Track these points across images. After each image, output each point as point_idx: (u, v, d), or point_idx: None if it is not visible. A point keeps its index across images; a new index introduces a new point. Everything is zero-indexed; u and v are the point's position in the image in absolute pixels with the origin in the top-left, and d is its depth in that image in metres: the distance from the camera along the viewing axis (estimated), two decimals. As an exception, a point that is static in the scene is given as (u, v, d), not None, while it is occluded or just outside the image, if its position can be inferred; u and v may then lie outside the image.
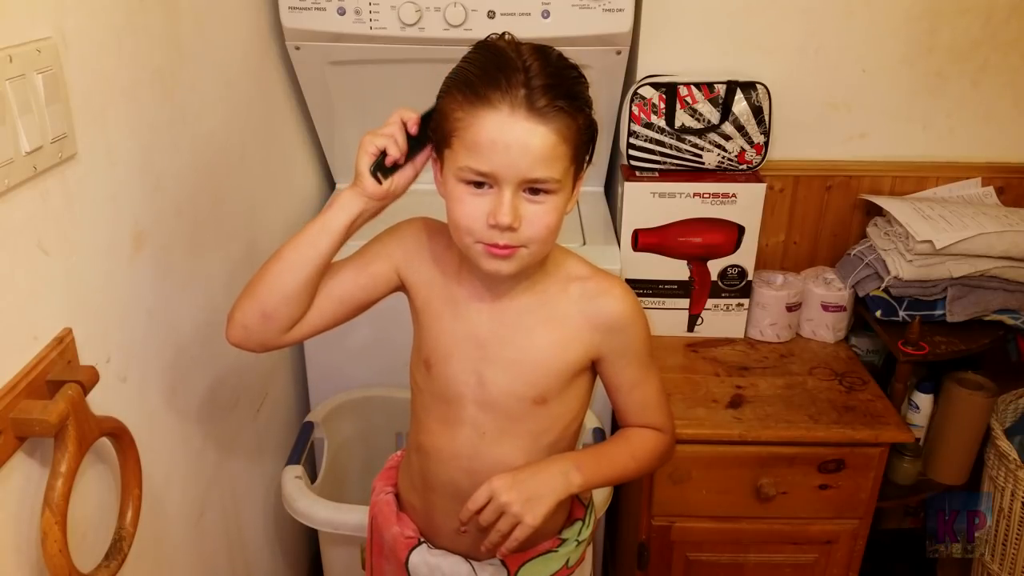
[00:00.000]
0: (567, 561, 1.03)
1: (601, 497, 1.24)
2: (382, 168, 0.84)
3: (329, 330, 0.92)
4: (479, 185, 0.80)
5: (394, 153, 0.84)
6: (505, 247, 0.80)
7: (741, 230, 1.51)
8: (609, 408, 1.52)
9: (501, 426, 0.92)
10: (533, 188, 0.79)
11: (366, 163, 0.84)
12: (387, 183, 0.85)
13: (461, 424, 0.93)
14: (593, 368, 0.96)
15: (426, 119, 0.85)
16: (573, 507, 1.05)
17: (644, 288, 1.56)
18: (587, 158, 0.86)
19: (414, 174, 0.87)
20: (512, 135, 0.76)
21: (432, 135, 0.85)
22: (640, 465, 0.97)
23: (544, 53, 0.80)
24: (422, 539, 1.01)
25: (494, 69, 0.78)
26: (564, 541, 1.02)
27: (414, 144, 0.85)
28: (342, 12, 1.39)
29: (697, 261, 1.54)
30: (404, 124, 0.85)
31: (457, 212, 0.81)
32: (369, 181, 0.84)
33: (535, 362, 0.91)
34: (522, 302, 0.90)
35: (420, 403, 0.97)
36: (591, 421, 1.41)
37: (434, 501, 0.98)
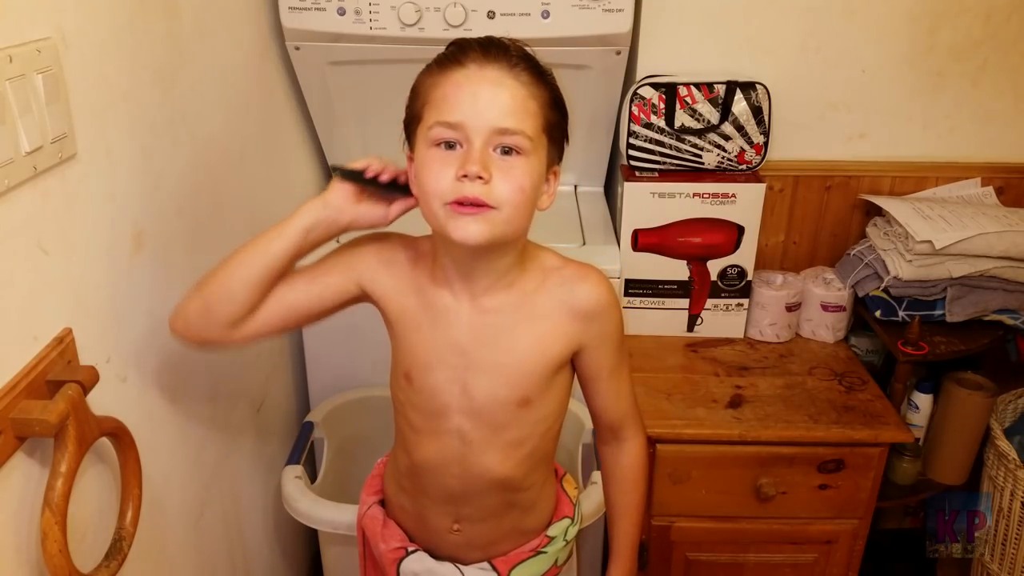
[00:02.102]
0: (556, 560, 1.03)
1: (600, 498, 1.24)
2: (356, 178, 0.84)
3: (279, 334, 0.89)
4: (450, 147, 0.79)
5: (377, 168, 0.84)
6: (474, 202, 0.77)
7: (741, 230, 1.51)
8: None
9: (485, 436, 0.92)
10: (504, 148, 0.78)
11: (343, 172, 0.84)
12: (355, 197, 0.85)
13: (447, 435, 0.93)
14: (571, 367, 0.96)
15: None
16: (560, 504, 1.05)
17: (644, 288, 1.56)
18: (562, 144, 0.86)
19: (384, 215, 0.87)
20: (480, 84, 0.78)
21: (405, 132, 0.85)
22: (644, 490, 1.05)
23: (508, 40, 0.82)
24: (409, 548, 1.01)
25: (462, 43, 0.80)
26: (552, 539, 1.02)
27: (396, 190, 0.86)
28: (342, 12, 1.39)
29: (697, 261, 1.54)
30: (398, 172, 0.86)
31: (426, 177, 0.80)
32: (335, 188, 0.84)
33: (519, 363, 0.90)
34: (501, 302, 0.89)
35: (404, 419, 0.96)
36: (591, 422, 1.40)
37: (426, 504, 0.98)
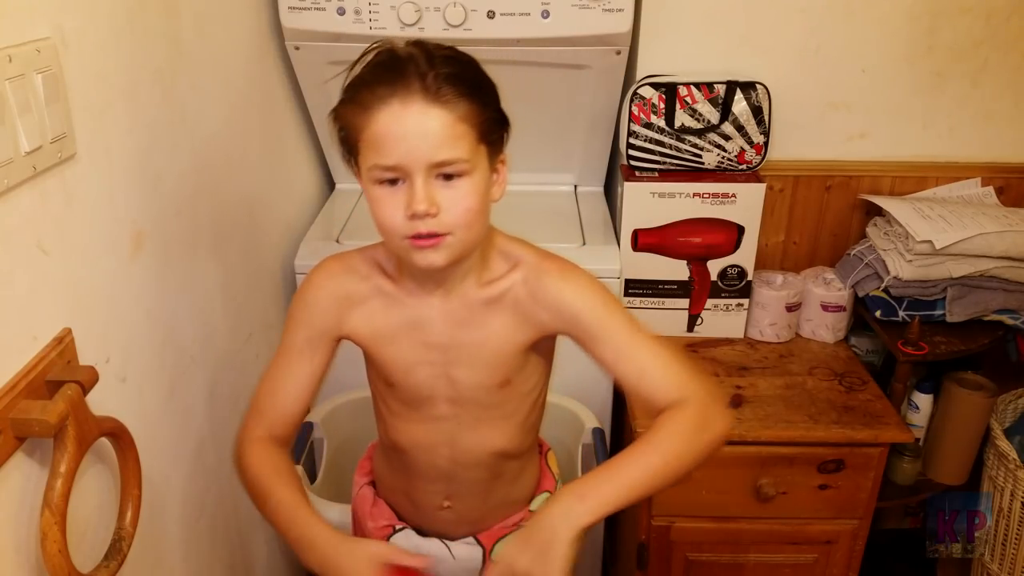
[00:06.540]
0: None
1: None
2: None
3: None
4: (393, 182, 0.80)
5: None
6: (429, 235, 0.80)
7: (741, 230, 1.51)
8: (609, 407, 1.53)
9: (474, 414, 0.94)
10: (445, 173, 0.79)
11: None
12: None
13: (435, 420, 0.95)
14: (550, 339, 0.94)
15: None
16: (543, 478, 1.07)
17: (644, 288, 1.56)
18: (503, 138, 0.85)
19: None
20: (408, 122, 0.77)
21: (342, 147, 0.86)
22: (668, 455, 0.83)
23: (426, 44, 0.81)
24: (397, 526, 1.03)
25: (380, 69, 0.80)
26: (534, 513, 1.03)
27: None
28: (342, 12, 1.39)
29: (697, 261, 1.54)
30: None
31: (378, 214, 0.82)
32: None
33: (494, 350, 0.91)
34: (471, 296, 0.90)
35: (386, 408, 0.97)
36: (591, 421, 1.41)
37: (416, 483, 1.00)
